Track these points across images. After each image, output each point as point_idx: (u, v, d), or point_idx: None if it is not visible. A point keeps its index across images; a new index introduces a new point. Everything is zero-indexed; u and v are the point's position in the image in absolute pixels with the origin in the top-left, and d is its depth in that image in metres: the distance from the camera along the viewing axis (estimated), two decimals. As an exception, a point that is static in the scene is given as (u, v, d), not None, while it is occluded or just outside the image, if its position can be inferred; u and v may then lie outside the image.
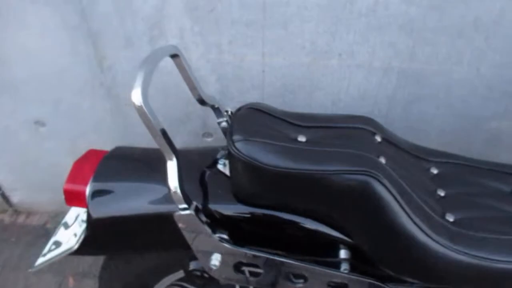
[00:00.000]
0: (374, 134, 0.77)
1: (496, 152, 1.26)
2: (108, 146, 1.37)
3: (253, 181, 0.72)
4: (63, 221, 0.95)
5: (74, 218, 0.92)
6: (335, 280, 0.73)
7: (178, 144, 1.15)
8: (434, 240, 0.68)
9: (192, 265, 0.81)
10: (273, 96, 1.22)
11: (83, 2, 1.10)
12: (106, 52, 1.19)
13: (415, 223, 0.67)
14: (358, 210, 0.69)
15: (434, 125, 1.20)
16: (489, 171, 0.83)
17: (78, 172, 0.85)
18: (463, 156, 0.86)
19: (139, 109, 0.66)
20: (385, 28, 1.04)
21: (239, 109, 0.80)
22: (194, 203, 0.71)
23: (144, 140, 1.32)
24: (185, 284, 0.94)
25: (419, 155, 0.85)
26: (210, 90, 1.24)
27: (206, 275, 0.80)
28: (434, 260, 0.68)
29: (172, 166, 0.69)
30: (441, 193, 0.78)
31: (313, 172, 0.68)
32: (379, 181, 0.66)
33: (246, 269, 0.76)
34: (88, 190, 0.82)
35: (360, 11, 1.02)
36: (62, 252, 0.84)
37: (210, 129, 1.35)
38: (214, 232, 0.73)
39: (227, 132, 0.76)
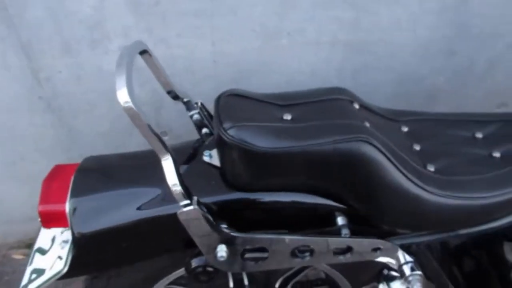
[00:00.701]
0: (352, 102, 0.80)
1: (434, 106, 1.36)
2: (52, 164, 1.28)
3: (249, 166, 0.71)
4: (36, 247, 0.87)
5: (50, 241, 0.85)
6: (339, 246, 0.75)
7: (134, 148, 1.10)
8: (426, 190, 0.72)
9: (195, 262, 0.78)
10: (226, 85, 1.20)
11: (9, 10, 1.00)
12: (42, 62, 1.10)
13: (408, 178, 0.72)
14: (355, 176, 0.71)
15: (381, 91, 1.28)
16: (451, 121, 0.90)
17: (50, 191, 0.79)
18: (426, 112, 0.93)
19: (128, 110, 0.63)
20: (329, 2, 1.08)
21: (218, 98, 0.79)
22: (195, 197, 0.69)
23: (94, 150, 1.25)
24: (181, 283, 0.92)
25: (389, 117, 0.89)
26: (160, 86, 1.19)
27: (210, 268, 0.78)
28: (428, 208, 0.74)
29: (168, 164, 0.66)
30: (417, 147, 0.84)
31: (308, 147, 0.69)
32: (371, 144, 0.69)
33: (252, 255, 0.76)
34: (67, 207, 0.76)
35: (305, -12, 1.05)
36: (50, 278, 0.77)
37: (164, 128, 1.30)
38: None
39: (214, 122, 0.74)
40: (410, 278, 0.77)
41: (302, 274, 1.04)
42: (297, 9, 1.08)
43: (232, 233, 0.71)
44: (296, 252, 0.77)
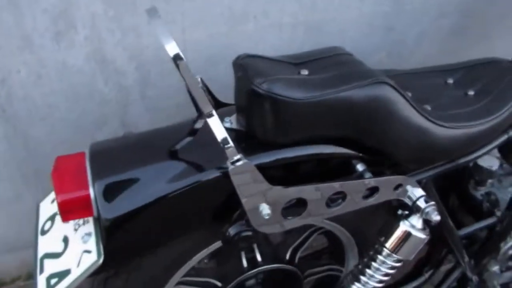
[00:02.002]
0: (352, 55, 0.86)
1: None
2: (4, 185, 1.15)
3: (283, 118, 0.73)
4: (41, 255, 0.77)
5: (61, 242, 0.77)
6: (368, 187, 0.80)
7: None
8: (435, 123, 0.81)
9: (233, 230, 0.76)
10: (196, 73, 1.20)
11: (-41, 1, 0.89)
12: (-4, 61, 0.99)
13: (420, 113, 0.79)
14: (377, 116, 0.77)
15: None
16: (421, 73, 1.02)
17: (64, 180, 0.71)
18: (395, 69, 1.02)
19: (180, 63, 0.61)
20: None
21: (236, 61, 0.79)
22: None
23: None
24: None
25: None
26: (128, 81, 1.14)
27: (249, 233, 0.77)
28: (437, 139, 0.82)
29: (214, 120, 0.65)
30: (409, 93, 0.92)
31: (337, 93, 0.73)
32: (390, 84, 0.76)
33: (291, 211, 0.77)
34: (92, 192, 0.69)
35: (271, -31, 1.10)
36: (83, 274, 0.69)
37: (131, 127, 1.24)
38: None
39: (239, 82, 0.75)
40: (427, 210, 0.84)
41: (308, 242, 1.07)
42: (261, -11, 1.12)
43: (279, 187, 0.72)
44: (328, 202, 0.79)
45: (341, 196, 0.80)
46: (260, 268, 1.00)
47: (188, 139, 0.79)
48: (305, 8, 1.20)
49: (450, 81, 0.99)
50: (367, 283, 0.92)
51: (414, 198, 0.85)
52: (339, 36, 1.30)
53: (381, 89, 0.75)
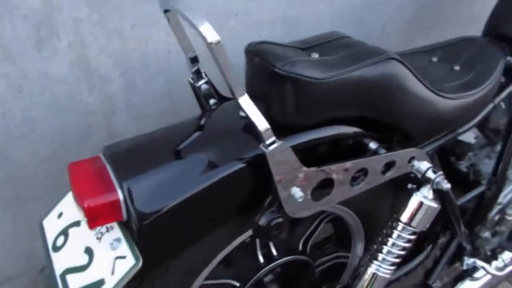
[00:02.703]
0: (350, 37, 0.89)
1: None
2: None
3: (305, 99, 0.73)
4: (61, 271, 0.72)
5: (85, 254, 0.71)
6: (386, 161, 0.82)
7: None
8: (441, 96, 0.85)
9: (265, 218, 0.75)
10: (180, 76, 1.18)
11: None
12: (-28, 76, 0.91)
13: (429, 88, 0.83)
14: (389, 91, 0.80)
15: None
16: (406, 55, 1.07)
17: (86, 186, 0.67)
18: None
19: (216, 45, 0.59)
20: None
21: (249, 47, 0.79)
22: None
23: (34, 184, 1.09)
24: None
25: None
26: (112, 89, 1.10)
27: (280, 219, 0.76)
28: (444, 111, 0.87)
29: (246, 100, 0.64)
30: None
31: (352, 71, 0.75)
32: (400, 61, 0.79)
33: (319, 192, 0.77)
34: (121, 195, 0.66)
35: (250, -34, 1.11)
36: (122, 279, 0.65)
37: (117, 138, 1.18)
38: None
39: (259, 66, 0.74)
40: (437, 180, 0.88)
41: (318, 231, 1.07)
42: (242, -13, 1.13)
43: (312, 168, 0.72)
44: (351, 180, 0.80)
45: (362, 173, 0.81)
46: (277, 262, 0.99)
47: (202, 133, 0.78)
48: (283, 4, 1.22)
49: (435, 59, 1.05)
50: (384, 259, 0.94)
51: (423, 171, 0.88)
52: (316, 29, 1.33)
53: (392, 65, 0.78)
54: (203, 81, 0.86)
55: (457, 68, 1.00)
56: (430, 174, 0.88)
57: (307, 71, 0.71)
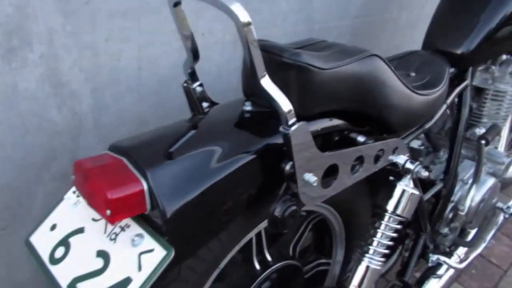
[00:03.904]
0: (326, 40, 0.96)
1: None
2: None
3: (310, 89, 0.77)
4: (69, 280, 0.64)
5: (98, 258, 0.65)
6: (378, 149, 0.87)
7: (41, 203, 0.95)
8: (413, 91, 0.95)
9: (280, 206, 0.74)
10: (149, 95, 1.16)
11: None
12: None
13: (404, 84, 0.92)
14: (375, 85, 0.87)
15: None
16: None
17: (105, 179, 0.63)
18: None
19: (246, 25, 0.61)
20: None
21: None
22: None
23: None
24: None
25: None
26: (82, 107, 1.04)
27: (294, 207, 0.76)
28: (417, 104, 0.96)
29: (269, 83, 0.66)
30: None
31: (346, 64, 0.81)
32: (381, 58, 0.87)
33: (327, 179, 0.79)
34: (146, 185, 0.63)
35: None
36: (153, 272, 0.60)
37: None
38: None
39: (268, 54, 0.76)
40: (416, 169, 0.96)
41: (303, 237, 1.09)
42: (209, 7, 1.17)
43: (327, 152, 0.74)
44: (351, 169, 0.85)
45: (359, 162, 0.86)
46: (272, 268, 0.97)
47: (209, 128, 0.78)
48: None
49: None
50: (375, 251, 0.98)
51: (403, 162, 0.96)
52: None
53: (375, 61, 0.86)
54: (197, 83, 0.86)
55: (412, 74, 1.13)
56: (408, 165, 0.96)
57: (312, 61, 0.76)
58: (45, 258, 0.69)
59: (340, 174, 0.81)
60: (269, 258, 0.98)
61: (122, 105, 1.12)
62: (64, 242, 0.69)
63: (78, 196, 0.75)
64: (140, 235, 0.64)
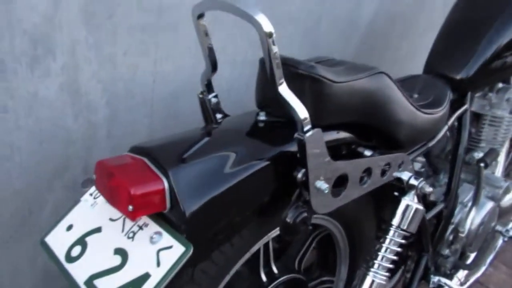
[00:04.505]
0: (335, 58, 1.01)
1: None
2: None
3: (322, 100, 0.81)
4: (86, 277, 0.66)
5: (116, 256, 0.67)
6: (385, 162, 0.91)
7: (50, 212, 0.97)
8: (418, 109, 0.99)
9: (292, 213, 0.77)
10: (161, 108, 1.19)
11: None
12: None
13: (409, 101, 0.97)
14: (383, 102, 0.91)
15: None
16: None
17: (128, 177, 0.66)
18: None
19: (268, 35, 0.65)
20: (242, 25, 1.27)
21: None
22: None
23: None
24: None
25: None
26: (97, 117, 1.07)
27: (305, 214, 0.78)
28: (422, 122, 1.00)
29: (286, 90, 0.70)
30: None
31: (355, 80, 0.85)
32: (388, 76, 0.91)
33: (337, 189, 0.82)
34: (167, 184, 0.65)
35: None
36: (172, 268, 0.61)
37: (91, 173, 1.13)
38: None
39: (288, 64, 0.81)
40: (421, 185, 0.99)
41: (309, 252, 1.10)
42: (222, 27, 1.22)
43: (337, 161, 0.77)
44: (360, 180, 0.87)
45: (367, 174, 0.89)
46: (278, 280, 0.98)
47: (225, 135, 0.81)
48: (253, 47, 1.33)
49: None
50: (380, 265, 0.99)
51: (406, 179, 0.99)
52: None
53: (383, 78, 0.90)
54: (213, 94, 0.90)
55: (416, 95, 1.17)
56: (413, 181, 0.99)
57: (326, 74, 0.80)
58: (61, 257, 0.70)
59: (350, 184, 0.84)
60: (275, 270, 0.99)
61: (136, 117, 1.15)
62: (81, 241, 0.71)
63: (95, 198, 0.77)
64: (158, 233, 0.66)
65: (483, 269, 1.46)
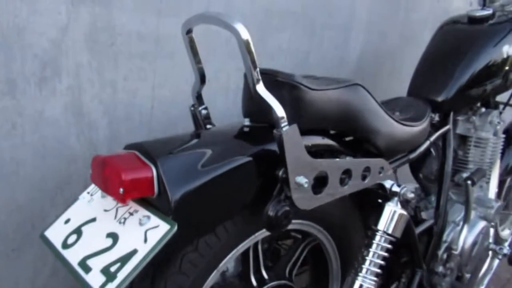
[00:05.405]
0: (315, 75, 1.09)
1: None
2: None
3: (301, 106, 0.89)
4: (80, 259, 0.71)
5: (109, 239, 0.72)
6: (365, 166, 0.96)
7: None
8: (395, 120, 1.06)
9: (273, 207, 0.82)
10: (158, 131, 1.28)
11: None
12: (-28, 105, 0.94)
13: (386, 112, 1.04)
14: (358, 111, 0.98)
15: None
16: None
17: (121, 164, 0.72)
18: None
19: (246, 43, 0.73)
20: (235, 55, 1.38)
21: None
22: None
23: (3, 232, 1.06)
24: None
25: None
26: (98, 137, 1.16)
27: (287, 208, 0.83)
28: (400, 133, 1.07)
29: (263, 90, 0.78)
30: None
31: (332, 89, 0.93)
32: (363, 87, 1.00)
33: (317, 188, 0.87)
34: (155, 171, 0.72)
35: (223, 40, 1.33)
36: (157, 244, 0.66)
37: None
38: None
39: (269, 73, 0.88)
40: (403, 191, 1.04)
41: (301, 259, 1.13)
42: (216, 58, 1.34)
43: (317, 159, 0.84)
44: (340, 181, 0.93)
45: (347, 176, 0.94)
46: (268, 285, 1.01)
47: (213, 136, 0.88)
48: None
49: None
50: (368, 270, 1.02)
51: (389, 186, 1.05)
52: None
53: (358, 89, 0.98)
54: (203, 106, 0.98)
55: (397, 113, 1.25)
56: (395, 188, 1.04)
57: (303, 81, 0.88)
58: (58, 245, 0.76)
59: (330, 184, 0.89)
60: (265, 276, 1.02)
61: (134, 138, 1.23)
62: (77, 231, 0.76)
63: (92, 195, 0.83)
64: (147, 217, 0.71)
65: (481, 288, 1.46)
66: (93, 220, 0.77)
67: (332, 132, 0.99)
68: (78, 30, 1.04)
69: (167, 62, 1.23)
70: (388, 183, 1.05)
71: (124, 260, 0.66)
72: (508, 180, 1.96)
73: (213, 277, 0.85)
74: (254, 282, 1.00)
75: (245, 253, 1.00)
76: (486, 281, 1.49)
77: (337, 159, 0.90)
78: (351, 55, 1.81)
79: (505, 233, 1.95)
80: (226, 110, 1.43)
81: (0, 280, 1.09)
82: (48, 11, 0.98)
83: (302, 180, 0.82)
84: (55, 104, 1.05)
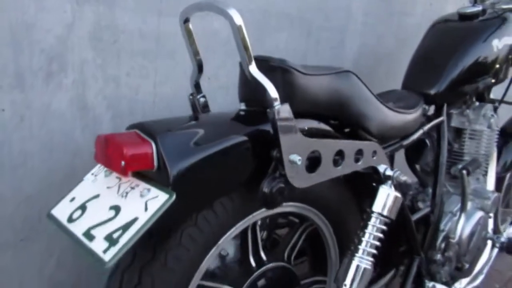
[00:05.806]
0: None
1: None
2: None
3: (293, 89, 0.93)
4: (84, 230, 0.75)
5: (111, 210, 0.76)
6: (358, 148, 1.00)
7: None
8: (387, 107, 1.11)
9: (268, 184, 0.85)
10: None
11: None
12: (-17, 98, 0.99)
13: (377, 98, 1.09)
14: (350, 96, 1.03)
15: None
16: None
17: (123, 142, 0.77)
18: None
19: (239, 28, 0.78)
20: (234, 55, 1.44)
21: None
22: None
23: (10, 226, 1.10)
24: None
25: None
26: (102, 131, 1.21)
27: (282, 185, 0.87)
28: (391, 119, 1.11)
29: (256, 70, 0.82)
30: None
31: (323, 75, 0.98)
32: (355, 74, 1.04)
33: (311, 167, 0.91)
34: (155, 146, 0.77)
35: (222, 40, 1.39)
36: (157, 211, 0.70)
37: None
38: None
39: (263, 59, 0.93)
40: (395, 175, 1.08)
41: (297, 246, 1.16)
42: (216, 55, 1.39)
43: (308, 138, 0.88)
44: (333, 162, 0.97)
45: (340, 157, 0.98)
46: (267, 266, 1.04)
47: (212, 118, 0.93)
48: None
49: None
50: (365, 250, 1.05)
51: (382, 170, 1.08)
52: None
53: (349, 76, 1.03)
54: (201, 94, 1.03)
55: (391, 103, 1.29)
56: (389, 172, 1.08)
57: (295, 66, 0.93)
58: (64, 220, 0.80)
59: (324, 163, 0.93)
60: (264, 257, 1.05)
61: (137, 134, 1.28)
62: (82, 207, 0.81)
63: (96, 176, 0.88)
64: (148, 189, 0.75)
65: (481, 278, 1.47)
66: (97, 196, 0.81)
67: (325, 117, 1.03)
68: (83, 27, 1.10)
69: (168, 60, 1.28)
70: (381, 167, 1.09)
71: (125, 227, 0.70)
72: (508, 177, 1.98)
73: (212, 253, 0.88)
74: (253, 263, 1.03)
75: (244, 236, 1.03)
76: (485, 271, 1.50)
77: (329, 140, 0.94)
78: (347, 56, 1.87)
79: (506, 230, 1.97)
80: (226, 108, 1.47)
81: (8, 269, 1.13)
82: (55, 9, 1.04)
83: (296, 157, 0.86)
84: (61, 98, 1.10)
